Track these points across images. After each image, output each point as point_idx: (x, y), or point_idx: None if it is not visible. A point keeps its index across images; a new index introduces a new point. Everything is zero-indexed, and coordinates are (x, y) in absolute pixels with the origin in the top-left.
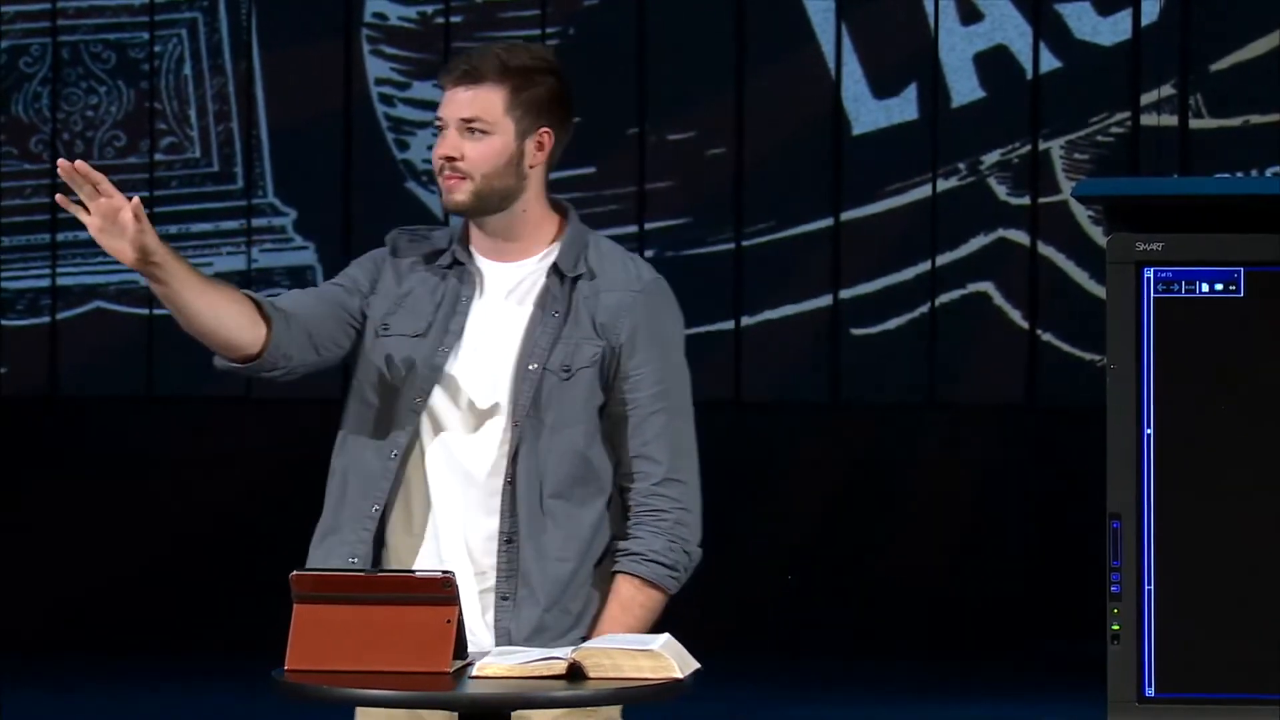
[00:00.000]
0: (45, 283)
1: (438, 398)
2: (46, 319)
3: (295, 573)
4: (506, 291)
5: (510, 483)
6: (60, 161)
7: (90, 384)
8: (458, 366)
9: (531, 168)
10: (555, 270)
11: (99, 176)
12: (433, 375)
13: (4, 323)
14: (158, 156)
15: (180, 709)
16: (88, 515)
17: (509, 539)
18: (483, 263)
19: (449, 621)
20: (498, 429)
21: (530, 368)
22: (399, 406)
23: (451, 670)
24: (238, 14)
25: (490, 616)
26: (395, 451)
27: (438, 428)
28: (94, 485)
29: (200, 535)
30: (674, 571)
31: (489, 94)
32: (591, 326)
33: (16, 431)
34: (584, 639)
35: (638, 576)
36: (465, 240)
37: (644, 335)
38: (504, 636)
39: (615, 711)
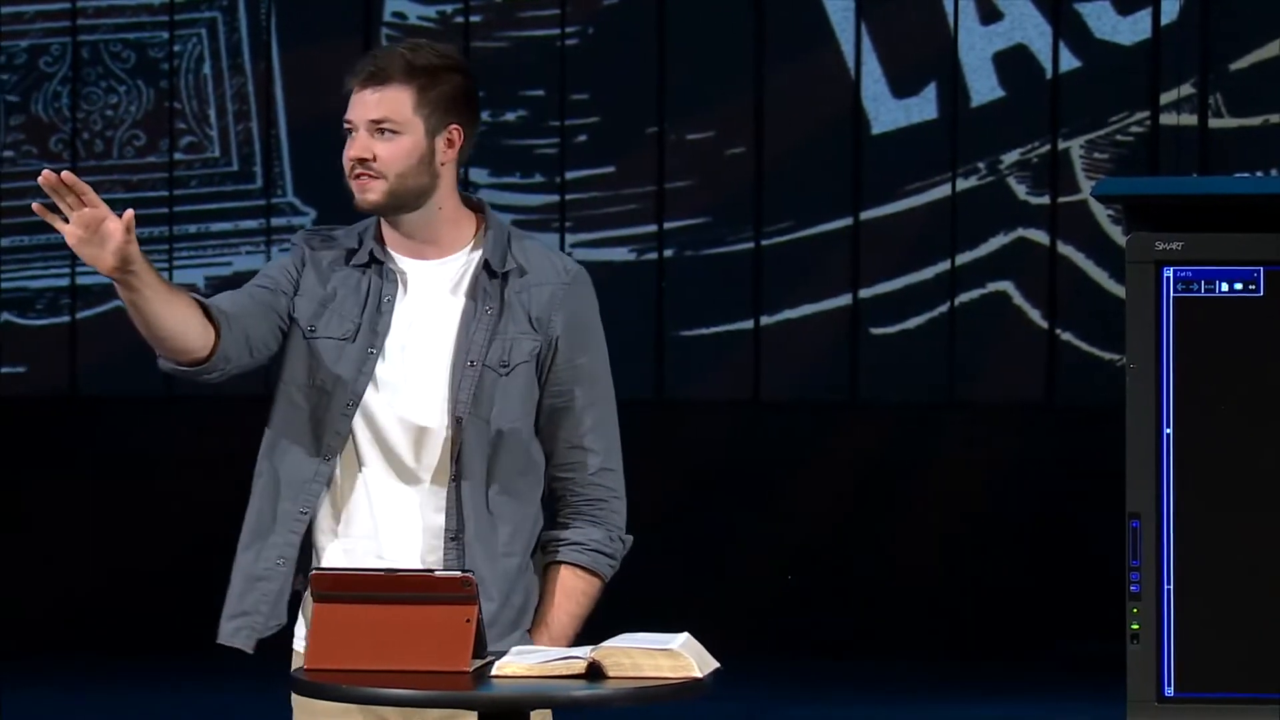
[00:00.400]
0: (65, 282)
1: (371, 399)
2: (66, 318)
3: (315, 571)
4: (432, 290)
5: (455, 481)
6: (44, 173)
7: (110, 383)
8: (389, 368)
9: (443, 165)
10: (485, 266)
11: (84, 187)
12: (363, 379)
13: (24, 321)
14: (177, 156)
15: (197, 709)
16: (107, 514)
17: (454, 536)
18: (403, 262)
19: (468, 621)
20: (439, 428)
21: (469, 364)
22: (331, 410)
23: (471, 669)
24: (257, 13)
25: None
26: (328, 455)
27: (374, 429)
28: (113, 484)
29: (221, 534)
30: (612, 560)
31: (396, 94)
32: (527, 321)
33: (36, 430)
34: (528, 632)
35: (580, 566)
36: (379, 239)
37: (578, 328)
38: None
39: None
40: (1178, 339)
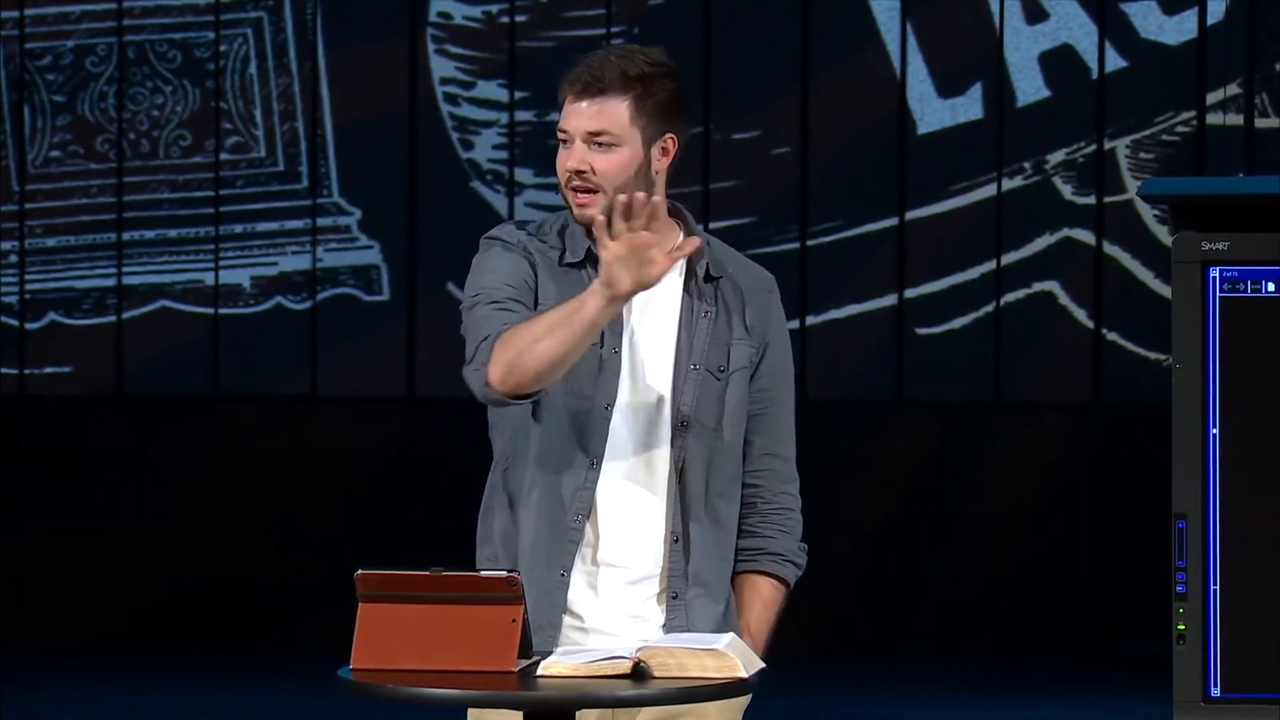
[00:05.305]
0: (111, 282)
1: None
2: (112, 318)
3: (360, 572)
4: (649, 294)
5: (679, 483)
6: (640, 195)
7: (155, 383)
8: (625, 368)
9: (657, 174)
10: (694, 271)
11: (658, 213)
12: (614, 380)
13: (70, 321)
14: (223, 156)
15: (243, 709)
16: (153, 514)
17: (676, 539)
18: None
19: (514, 621)
20: (664, 429)
21: (692, 368)
22: (593, 416)
23: (516, 669)
24: (303, 13)
25: (658, 620)
26: (595, 462)
27: (614, 432)
28: (159, 484)
29: (267, 534)
30: (800, 572)
31: (614, 106)
32: (744, 328)
33: (82, 430)
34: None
35: (778, 577)
36: (591, 236)
37: (779, 335)
38: None
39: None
40: (1224, 339)
